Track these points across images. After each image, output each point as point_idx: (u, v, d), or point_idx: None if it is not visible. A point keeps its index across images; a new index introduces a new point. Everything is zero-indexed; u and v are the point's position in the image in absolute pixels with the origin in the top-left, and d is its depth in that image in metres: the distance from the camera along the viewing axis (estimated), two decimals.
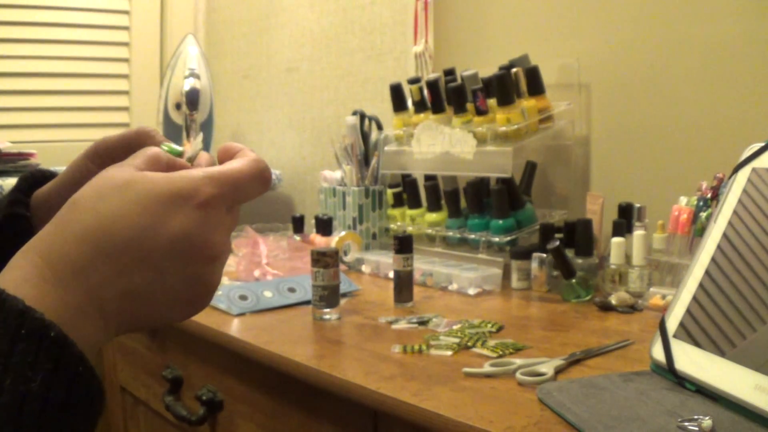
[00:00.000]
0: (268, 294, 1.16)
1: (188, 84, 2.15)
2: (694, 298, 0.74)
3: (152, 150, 0.43)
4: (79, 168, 0.50)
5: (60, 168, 0.53)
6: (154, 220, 0.39)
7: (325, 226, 1.53)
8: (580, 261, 1.15)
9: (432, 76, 1.45)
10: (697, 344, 0.70)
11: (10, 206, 0.50)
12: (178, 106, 2.17)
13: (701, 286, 0.74)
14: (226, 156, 0.46)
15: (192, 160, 0.46)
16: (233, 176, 0.42)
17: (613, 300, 1.07)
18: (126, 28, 2.46)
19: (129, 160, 0.42)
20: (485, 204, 1.33)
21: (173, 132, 2.15)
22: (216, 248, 0.41)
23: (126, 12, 2.45)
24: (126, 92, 2.45)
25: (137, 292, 0.39)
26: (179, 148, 0.46)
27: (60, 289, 0.36)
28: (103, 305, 0.38)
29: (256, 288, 1.16)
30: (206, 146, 2.18)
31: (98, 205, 0.38)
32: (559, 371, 0.79)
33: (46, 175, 0.53)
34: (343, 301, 1.13)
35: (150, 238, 0.38)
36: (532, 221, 1.30)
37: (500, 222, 1.28)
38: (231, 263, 1.35)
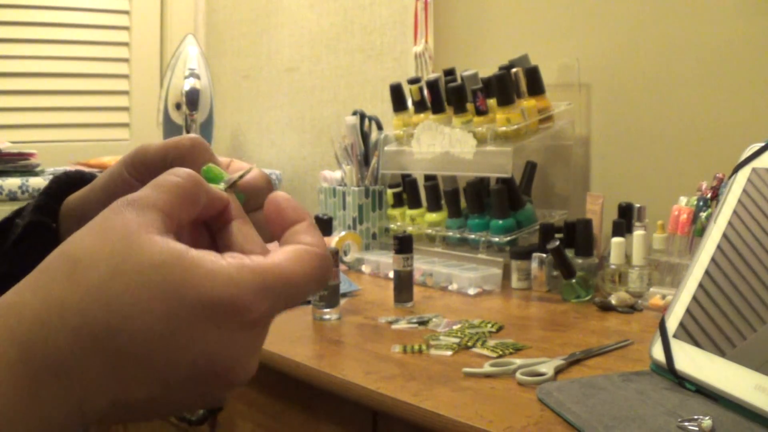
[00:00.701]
0: None
1: (188, 84, 2.15)
2: (694, 298, 0.74)
3: (187, 183, 0.33)
4: (114, 177, 0.42)
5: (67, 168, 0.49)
6: (181, 334, 0.29)
7: (325, 226, 1.53)
8: (580, 261, 1.15)
9: (432, 76, 1.45)
10: (697, 344, 0.70)
11: (35, 212, 0.44)
12: (178, 106, 2.17)
13: (701, 286, 0.74)
14: (278, 218, 0.35)
15: (233, 186, 0.37)
16: (294, 284, 0.32)
17: (613, 300, 1.07)
18: (126, 28, 2.46)
19: (152, 192, 0.32)
20: (485, 204, 1.33)
21: (173, 132, 2.15)
22: (246, 374, 0.32)
23: (126, 12, 2.45)
24: (126, 92, 2.45)
25: (133, 405, 0.30)
26: (224, 173, 0.38)
27: (34, 399, 0.28)
28: (86, 414, 0.29)
29: None
30: None
31: (108, 293, 0.29)
32: (559, 371, 0.79)
33: (86, 178, 0.46)
34: (343, 301, 1.13)
35: (169, 355, 0.29)
36: (532, 221, 1.30)
37: (500, 222, 1.28)
38: None
